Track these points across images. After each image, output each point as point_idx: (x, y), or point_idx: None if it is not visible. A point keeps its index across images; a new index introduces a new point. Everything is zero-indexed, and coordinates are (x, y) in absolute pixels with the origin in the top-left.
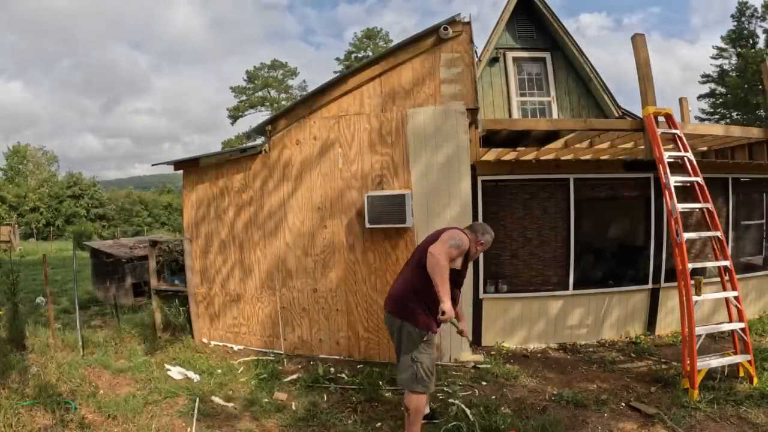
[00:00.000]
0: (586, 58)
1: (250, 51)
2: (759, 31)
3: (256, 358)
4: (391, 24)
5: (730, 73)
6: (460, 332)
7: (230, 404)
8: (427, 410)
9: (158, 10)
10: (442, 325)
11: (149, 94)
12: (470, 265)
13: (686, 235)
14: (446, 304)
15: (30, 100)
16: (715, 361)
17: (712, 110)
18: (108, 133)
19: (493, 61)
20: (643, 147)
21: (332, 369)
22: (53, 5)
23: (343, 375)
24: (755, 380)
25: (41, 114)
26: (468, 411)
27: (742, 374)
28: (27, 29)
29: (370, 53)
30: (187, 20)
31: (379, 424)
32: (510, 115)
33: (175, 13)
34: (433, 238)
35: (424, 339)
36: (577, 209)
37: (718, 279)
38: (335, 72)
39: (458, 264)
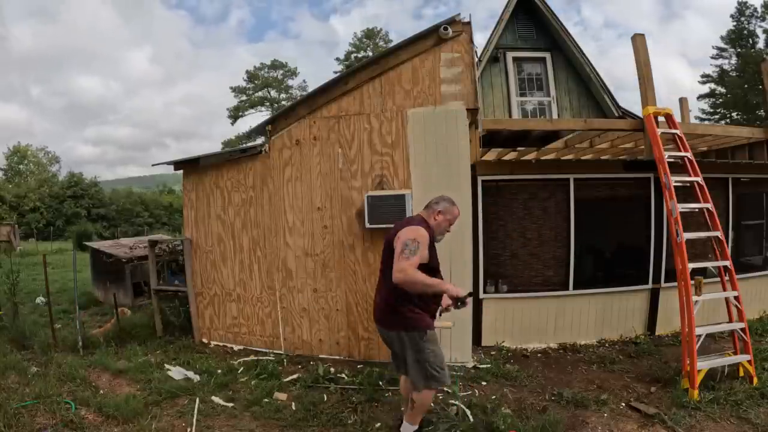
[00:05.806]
0: (587, 58)
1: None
2: (759, 31)
3: (256, 358)
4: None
5: (730, 73)
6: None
7: (230, 404)
8: None
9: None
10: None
11: (125, 111)
12: (470, 265)
13: (686, 235)
14: (447, 286)
15: (21, 116)
16: (715, 361)
17: (712, 110)
18: (93, 143)
19: (494, 60)
20: (643, 147)
21: (332, 369)
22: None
23: (343, 375)
24: (755, 380)
25: (33, 127)
26: (468, 411)
27: (742, 374)
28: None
29: (370, 53)
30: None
31: (379, 424)
32: (510, 115)
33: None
34: (394, 236)
35: (424, 339)
36: (578, 209)
37: (718, 279)
38: (335, 72)
39: (426, 257)
